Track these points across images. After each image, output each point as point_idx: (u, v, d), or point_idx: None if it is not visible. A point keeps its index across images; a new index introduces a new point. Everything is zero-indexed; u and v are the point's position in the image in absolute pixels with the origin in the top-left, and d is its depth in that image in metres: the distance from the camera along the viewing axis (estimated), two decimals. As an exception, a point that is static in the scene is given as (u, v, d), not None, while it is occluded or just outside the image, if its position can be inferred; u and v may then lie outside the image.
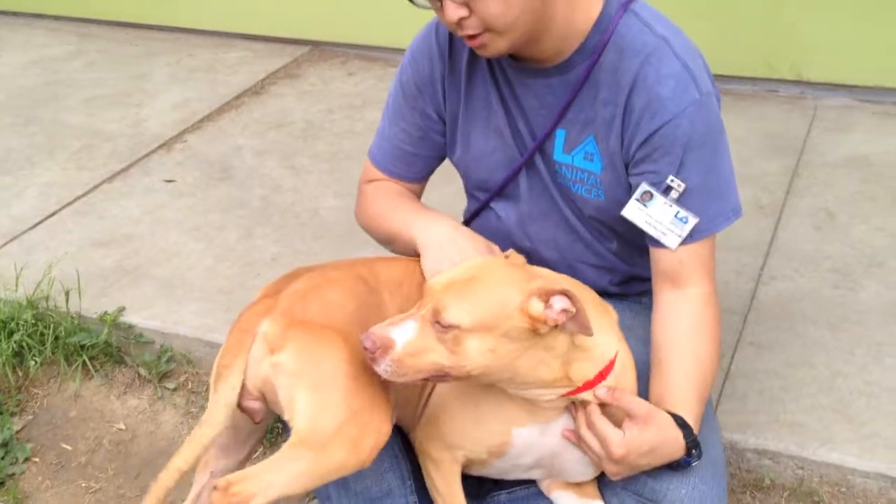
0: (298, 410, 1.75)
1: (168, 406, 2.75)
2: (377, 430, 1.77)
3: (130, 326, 2.86)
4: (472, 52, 2.06)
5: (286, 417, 1.79)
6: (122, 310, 2.89)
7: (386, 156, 2.24)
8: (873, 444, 2.26)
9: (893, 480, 2.19)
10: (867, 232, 3.06)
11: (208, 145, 3.95)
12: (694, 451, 1.82)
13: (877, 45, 3.85)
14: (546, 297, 1.69)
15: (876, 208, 3.18)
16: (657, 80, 1.91)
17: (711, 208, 1.97)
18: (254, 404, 1.86)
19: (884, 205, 3.20)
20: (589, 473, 1.92)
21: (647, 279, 2.17)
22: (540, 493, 2.04)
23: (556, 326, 1.71)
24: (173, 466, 1.82)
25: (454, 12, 1.82)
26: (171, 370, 2.82)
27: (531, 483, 2.06)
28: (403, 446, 2.05)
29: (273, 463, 1.72)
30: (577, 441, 1.85)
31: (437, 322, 1.68)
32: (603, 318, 1.84)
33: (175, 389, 2.79)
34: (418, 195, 2.30)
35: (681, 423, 1.82)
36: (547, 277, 1.82)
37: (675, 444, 1.82)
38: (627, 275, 2.20)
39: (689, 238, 1.96)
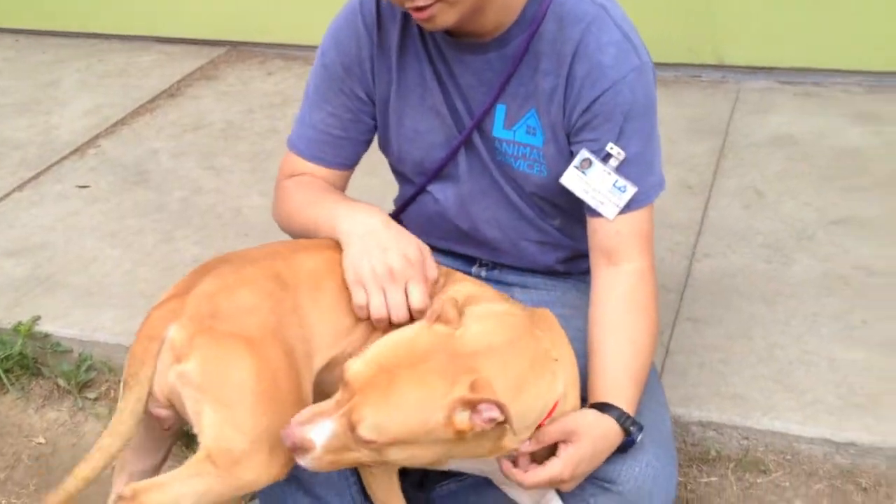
0: (205, 427, 1.65)
1: (90, 417, 2.61)
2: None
3: (46, 336, 2.72)
4: (402, 31, 1.99)
5: (195, 430, 1.69)
6: (36, 319, 2.74)
7: (311, 142, 2.12)
8: (815, 411, 2.24)
9: (838, 445, 2.18)
10: (795, 207, 3.07)
11: (123, 149, 3.81)
12: (632, 427, 1.78)
13: (796, 27, 3.90)
14: (473, 406, 1.54)
15: (802, 185, 3.20)
16: (598, 48, 1.87)
17: (647, 177, 1.94)
18: (162, 412, 1.75)
19: (810, 181, 3.22)
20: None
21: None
22: (489, 481, 1.97)
23: None
24: (79, 475, 1.71)
25: None
26: (92, 379, 2.69)
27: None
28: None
29: (182, 474, 1.62)
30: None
31: (354, 431, 1.53)
32: (544, 370, 1.69)
33: (96, 399, 2.65)
34: (342, 188, 2.16)
35: (609, 408, 1.77)
36: (478, 361, 1.59)
37: (611, 435, 1.76)
38: (573, 251, 2.15)
39: (627, 208, 1.92)
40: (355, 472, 1.94)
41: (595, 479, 1.80)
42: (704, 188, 3.21)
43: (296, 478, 1.90)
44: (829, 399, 2.28)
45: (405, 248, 1.88)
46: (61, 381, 2.67)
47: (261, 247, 1.94)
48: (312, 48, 4.33)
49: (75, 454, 2.53)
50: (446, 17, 1.80)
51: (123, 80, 4.46)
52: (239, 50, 4.73)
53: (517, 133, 2.00)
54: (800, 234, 2.92)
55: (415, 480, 2.02)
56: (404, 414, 1.53)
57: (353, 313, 1.84)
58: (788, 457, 2.22)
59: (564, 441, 1.71)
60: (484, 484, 1.98)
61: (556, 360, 1.73)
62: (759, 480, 2.20)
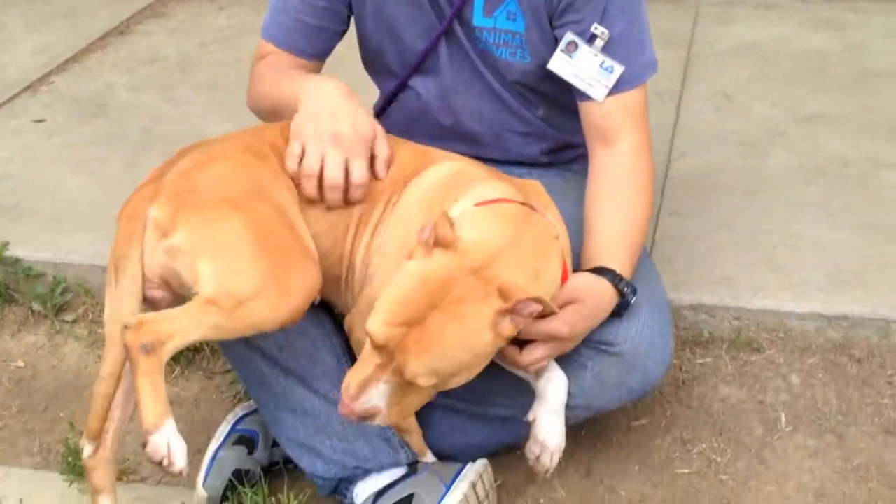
0: (205, 280, 1.63)
1: (69, 339, 2.54)
2: (301, 287, 1.66)
3: (17, 260, 2.63)
4: None
5: (195, 291, 1.65)
6: (6, 244, 2.65)
7: (285, 30, 2.06)
8: (805, 289, 2.27)
9: (829, 319, 2.20)
10: (765, 108, 3.09)
11: (77, 85, 3.69)
12: (626, 289, 1.78)
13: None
14: (511, 311, 1.54)
15: (770, 87, 3.22)
16: None
17: (636, 58, 1.93)
18: (156, 293, 1.72)
19: (777, 84, 3.24)
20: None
21: (577, 146, 2.12)
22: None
23: None
24: (105, 373, 1.71)
25: None
26: (68, 302, 2.61)
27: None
28: (335, 326, 1.94)
29: (187, 311, 1.60)
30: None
31: (397, 373, 1.52)
32: (550, 251, 1.69)
33: (74, 322, 2.58)
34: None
35: (603, 271, 1.78)
36: (493, 267, 1.56)
37: (607, 296, 1.77)
38: (557, 141, 2.14)
39: (616, 88, 1.92)
40: (349, 356, 1.91)
41: (592, 342, 1.81)
42: (674, 95, 3.22)
43: (288, 368, 1.88)
44: (818, 277, 2.30)
45: (358, 121, 1.83)
46: (36, 306, 2.59)
47: (223, 135, 1.91)
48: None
49: (56, 376, 2.46)
50: None
51: (71, 20, 4.32)
52: (187, -14, 4.60)
53: (497, 20, 1.97)
54: (772, 132, 2.94)
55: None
56: (453, 351, 1.52)
57: None
58: (781, 334, 2.24)
59: (570, 302, 1.71)
60: None
61: (557, 237, 1.73)
62: (753, 358, 2.22)
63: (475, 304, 1.52)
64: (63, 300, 2.59)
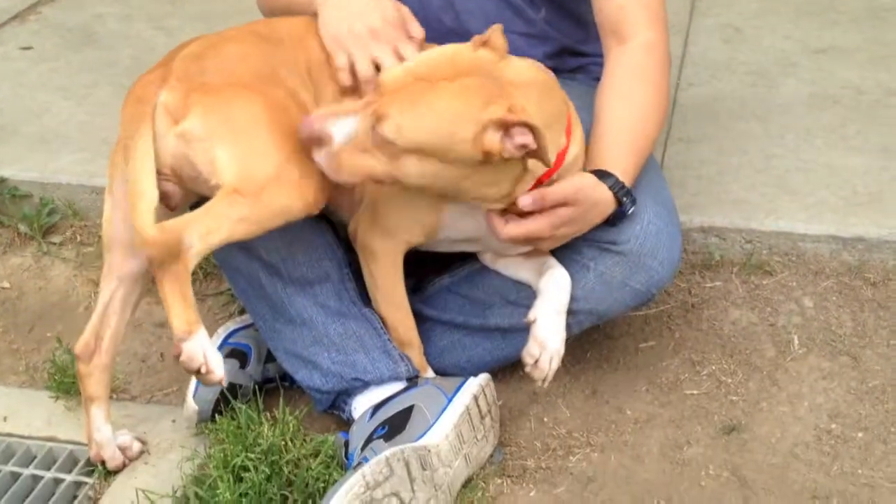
0: (223, 166, 1.54)
1: (56, 261, 2.46)
2: (318, 172, 1.56)
3: (3, 180, 2.54)
4: None
5: (212, 184, 1.57)
6: (-10, 165, 2.56)
7: None
8: (819, 211, 2.20)
9: (844, 241, 2.13)
10: (776, 40, 3.01)
11: (65, 15, 3.58)
12: (625, 198, 1.70)
13: None
14: (505, 128, 1.48)
15: (780, 20, 3.13)
16: None
17: (647, -58, 1.84)
18: (166, 186, 1.63)
19: (787, 17, 3.15)
20: (521, 249, 1.79)
21: (580, 54, 2.06)
22: (483, 267, 1.89)
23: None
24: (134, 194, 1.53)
25: None
26: (55, 224, 2.53)
27: (473, 259, 1.91)
28: (337, 236, 1.87)
29: (210, 210, 1.50)
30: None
31: (375, 129, 1.49)
32: (562, 120, 1.64)
33: (61, 244, 2.50)
34: None
35: (605, 175, 1.70)
36: (516, 91, 1.53)
37: (604, 203, 1.70)
38: (559, 45, 2.05)
39: None
40: (351, 268, 1.84)
41: (595, 242, 1.74)
42: (681, 28, 3.12)
43: (289, 276, 1.80)
44: (832, 200, 2.23)
45: (383, 9, 1.78)
46: (22, 227, 2.50)
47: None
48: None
49: (43, 297, 2.38)
50: None
51: (59, -48, 4.19)
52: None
53: None
54: (783, 62, 2.86)
55: (409, 287, 1.91)
56: (432, 120, 1.48)
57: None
58: (793, 257, 2.17)
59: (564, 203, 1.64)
60: (477, 273, 1.90)
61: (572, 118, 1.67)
62: (764, 282, 2.15)
63: (480, 99, 1.49)
64: (50, 221, 2.51)
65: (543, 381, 1.73)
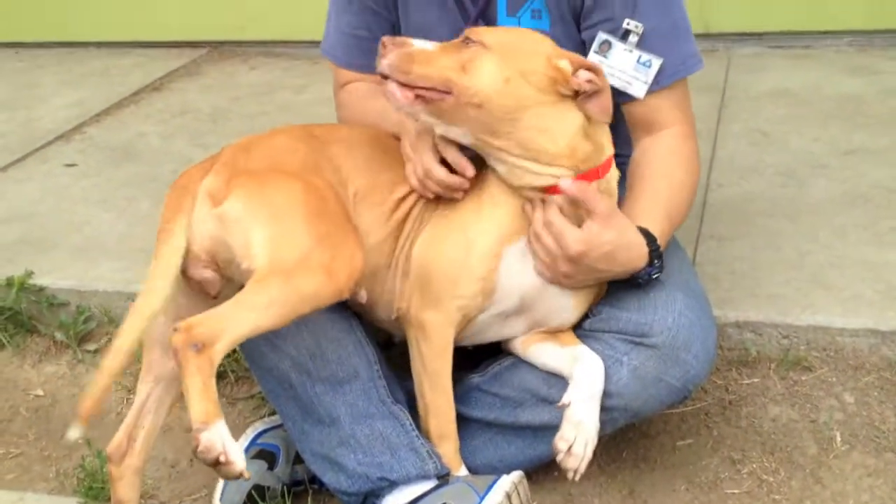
0: (256, 249, 1.57)
1: (90, 369, 2.47)
2: (350, 257, 1.59)
3: (41, 290, 2.58)
4: None
5: (244, 266, 1.59)
6: (29, 274, 2.60)
7: (343, 49, 2.09)
8: (856, 305, 2.16)
9: (883, 335, 2.09)
10: (804, 142, 3.03)
11: (109, 134, 3.71)
12: (656, 261, 1.71)
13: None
14: (577, 66, 1.66)
15: (807, 125, 3.16)
16: None
17: (675, 50, 1.88)
18: (205, 273, 1.66)
19: (815, 122, 3.18)
20: (569, 308, 1.79)
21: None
22: (514, 363, 1.87)
23: (575, 96, 1.64)
24: (116, 347, 1.60)
25: None
26: (91, 331, 2.55)
27: (503, 358, 1.89)
28: (367, 333, 1.87)
29: (239, 300, 1.52)
30: (534, 242, 1.72)
31: (466, 38, 1.66)
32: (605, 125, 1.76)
33: (96, 352, 2.51)
34: None
35: (644, 232, 1.72)
36: None
37: (637, 250, 1.72)
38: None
39: (657, 83, 1.87)
40: (381, 365, 1.84)
41: (626, 335, 1.73)
42: (710, 133, 3.16)
43: (318, 375, 1.80)
44: (868, 294, 2.20)
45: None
46: (59, 335, 2.53)
47: None
48: (295, 43, 4.35)
49: (76, 404, 2.36)
50: None
51: (105, 79, 4.37)
52: (220, 50, 4.67)
53: (522, 19, 1.94)
54: (812, 164, 2.87)
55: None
56: (521, 33, 1.77)
57: (383, 168, 1.80)
58: (832, 353, 2.13)
59: (594, 218, 1.67)
60: (507, 370, 1.89)
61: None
62: (803, 378, 2.11)
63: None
64: (86, 329, 2.53)
65: (575, 472, 1.68)
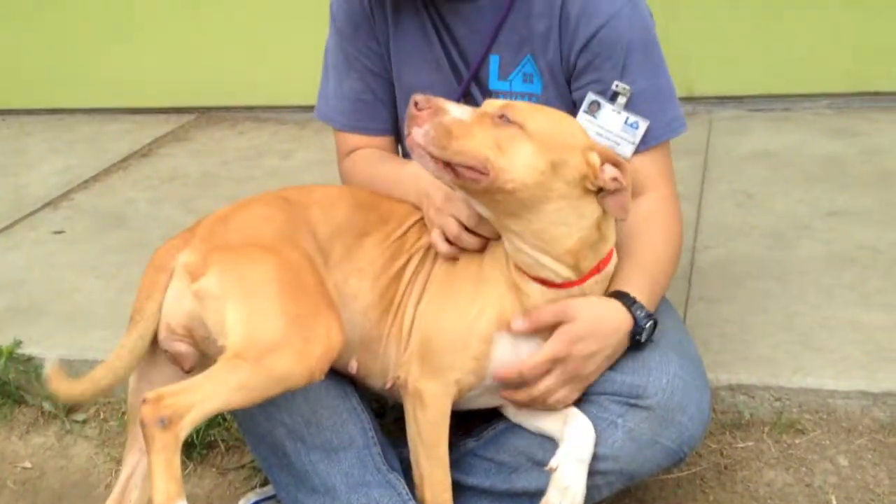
0: (230, 327, 1.56)
1: (79, 439, 2.45)
2: (325, 336, 1.58)
3: (30, 359, 2.56)
4: None
5: (219, 344, 1.59)
6: (18, 343, 2.59)
7: (346, 113, 2.11)
8: (847, 367, 2.17)
9: (875, 397, 2.10)
10: (789, 204, 3.07)
11: (97, 200, 3.72)
12: (639, 313, 1.72)
13: (761, 56, 3.98)
14: (603, 160, 1.64)
15: (792, 187, 3.20)
16: None
17: (661, 113, 1.92)
18: (180, 347, 1.66)
19: (798, 183, 3.22)
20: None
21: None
22: (509, 427, 1.87)
23: (598, 192, 1.64)
24: (62, 397, 1.70)
25: None
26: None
27: (498, 422, 1.89)
28: (361, 400, 1.86)
29: (210, 376, 1.51)
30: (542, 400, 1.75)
31: (502, 115, 1.59)
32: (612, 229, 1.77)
33: (85, 422, 2.49)
34: (395, 150, 2.16)
35: (617, 295, 1.73)
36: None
37: (618, 315, 1.72)
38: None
39: (644, 144, 1.90)
40: (376, 432, 1.83)
41: (620, 397, 1.73)
42: (694, 195, 3.20)
43: (313, 443, 1.79)
44: (858, 356, 2.21)
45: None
46: (47, 406, 2.50)
47: None
48: (283, 108, 4.39)
49: (64, 476, 2.36)
50: None
51: (94, 145, 4.40)
52: (209, 115, 4.71)
53: (513, 83, 1.98)
54: (798, 225, 2.90)
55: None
56: (560, 120, 1.68)
57: (365, 232, 1.80)
58: (824, 415, 2.13)
59: (560, 322, 1.67)
60: (502, 434, 1.89)
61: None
62: (797, 441, 2.11)
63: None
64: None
65: None
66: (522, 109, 1.62)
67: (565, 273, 1.68)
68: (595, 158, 1.63)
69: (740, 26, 3.96)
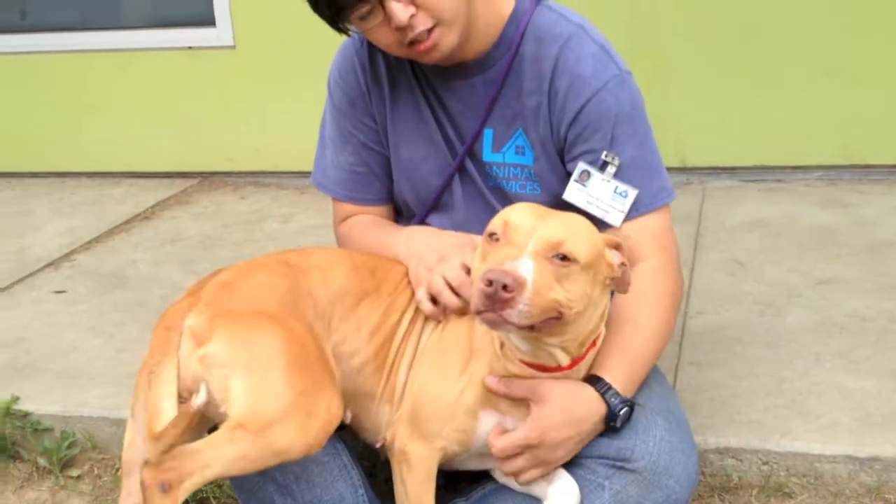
0: (235, 396, 1.59)
1: (72, 494, 2.46)
2: (326, 411, 1.62)
3: (26, 415, 2.58)
4: (392, 62, 2.05)
5: (222, 410, 1.62)
6: (15, 399, 2.61)
7: (341, 183, 2.18)
8: (835, 432, 2.20)
9: (862, 462, 2.12)
10: (780, 273, 3.11)
11: (99, 261, 3.77)
12: (614, 399, 1.74)
13: (754, 128, 4.07)
14: (609, 246, 1.68)
15: (783, 256, 3.25)
16: (577, 61, 1.94)
17: (650, 182, 1.97)
18: (181, 408, 1.67)
19: (790, 252, 3.27)
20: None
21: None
22: (497, 488, 1.89)
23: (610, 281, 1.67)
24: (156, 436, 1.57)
25: (403, 12, 1.78)
26: (75, 457, 2.54)
27: (487, 482, 1.91)
28: (352, 458, 1.89)
29: (211, 443, 1.54)
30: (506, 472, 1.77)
31: (556, 255, 1.57)
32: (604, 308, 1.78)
33: (79, 477, 2.50)
34: (389, 217, 2.22)
35: (591, 380, 1.76)
36: None
37: (589, 404, 1.74)
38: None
39: (634, 212, 1.95)
40: (366, 489, 1.85)
41: (607, 460, 1.76)
42: (686, 262, 3.24)
43: (302, 500, 1.81)
44: (846, 421, 2.24)
45: (448, 237, 1.97)
46: (42, 461, 2.52)
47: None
48: (284, 174, 4.48)
49: (58, 530, 2.36)
50: (449, 39, 1.86)
51: (97, 207, 4.46)
52: (211, 180, 4.79)
53: (507, 155, 2.04)
54: (789, 293, 2.95)
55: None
56: (588, 236, 1.62)
57: (363, 293, 1.84)
58: (812, 479, 2.15)
59: (532, 402, 1.71)
60: (491, 495, 1.91)
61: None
62: (785, 504, 2.12)
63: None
64: (69, 454, 2.53)
65: None
66: (568, 241, 1.58)
67: (564, 360, 1.72)
68: (610, 256, 1.66)
69: (732, 99, 4.05)
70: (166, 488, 1.49)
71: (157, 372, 1.65)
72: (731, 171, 4.15)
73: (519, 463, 1.72)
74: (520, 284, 1.50)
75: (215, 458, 1.52)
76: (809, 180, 4.02)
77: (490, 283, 1.50)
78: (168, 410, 1.59)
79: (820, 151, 4.02)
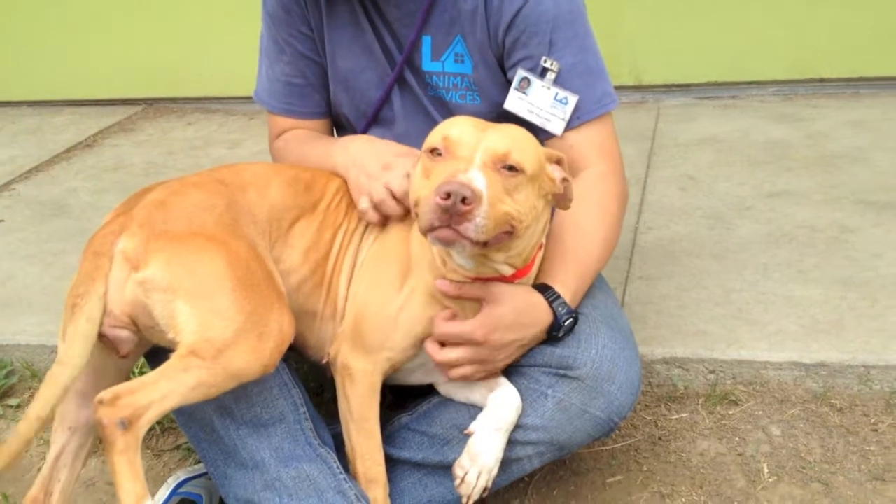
0: (183, 324, 1.53)
1: (12, 424, 2.40)
2: (278, 330, 1.57)
3: (-39, 343, 2.51)
4: None
5: (169, 337, 1.56)
6: (-51, 328, 2.54)
7: (278, 95, 2.10)
8: (781, 339, 2.19)
9: (808, 368, 2.11)
10: (731, 187, 3.08)
11: (39, 190, 3.66)
12: (560, 309, 1.71)
13: (708, 45, 4.01)
14: (550, 161, 1.63)
15: (734, 171, 3.22)
16: None
17: (591, 87, 1.91)
18: (120, 333, 1.61)
19: (742, 167, 3.24)
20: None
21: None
22: (441, 401, 1.86)
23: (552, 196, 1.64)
24: (32, 415, 1.55)
25: None
26: (13, 386, 2.48)
27: (432, 397, 1.88)
28: (293, 376, 1.84)
29: (166, 374, 1.48)
30: (442, 362, 1.72)
31: (504, 166, 1.51)
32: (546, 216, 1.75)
33: (18, 406, 2.44)
34: (328, 132, 2.15)
35: (541, 288, 1.72)
36: None
37: (540, 307, 1.71)
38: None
39: (576, 120, 1.89)
40: (307, 407, 1.81)
41: (550, 368, 1.73)
42: (639, 179, 3.21)
43: (242, 419, 1.77)
44: (793, 328, 2.22)
45: (389, 146, 1.90)
46: (-20, 389, 2.45)
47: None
48: (232, 99, 4.34)
49: (-5, 460, 2.30)
50: None
51: (37, 136, 4.34)
52: (156, 107, 4.66)
53: (446, 63, 1.97)
54: (739, 206, 2.92)
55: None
56: (531, 147, 1.56)
57: (298, 210, 1.78)
58: (758, 386, 2.14)
59: (484, 303, 1.67)
60: (435, 408, 1.87)
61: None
62: (731, 412, 2.11)
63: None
64: (7, 383, 2.47)
65: (468, 498, 1.67)
66: (514, 151, 1.52)
67: (507, 271, 1.67)
68: (552, 170, 1.61)
69: (687, 16, 3.98)
70: (126, 425, 1.44)
71: (80, 305, 1.58)
72: (685, 88, 4.10)
73: (458, 354, 1.68)
74: (477, 196, 1.45)
75: (172, 388, 1.47)
76: (764, 96, 3.98)
77: (448, 195, 1.43)
78: (80, 354, 1.53)
79: (774, 67, 3.97)
